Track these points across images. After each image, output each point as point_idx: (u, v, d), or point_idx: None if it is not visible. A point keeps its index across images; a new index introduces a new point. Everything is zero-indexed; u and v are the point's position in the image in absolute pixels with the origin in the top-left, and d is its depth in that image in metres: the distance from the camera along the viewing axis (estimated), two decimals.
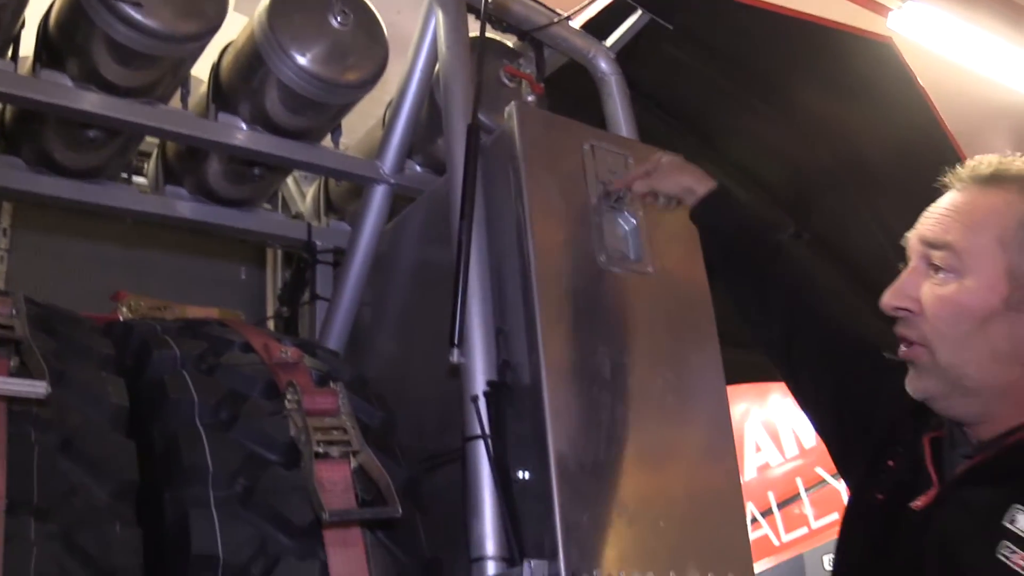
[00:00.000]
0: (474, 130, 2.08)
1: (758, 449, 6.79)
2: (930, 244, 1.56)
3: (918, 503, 1.58)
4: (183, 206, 2.69)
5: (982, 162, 1.58)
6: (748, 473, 6.79)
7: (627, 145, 2.31)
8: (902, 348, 1.60)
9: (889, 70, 2.54)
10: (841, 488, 6.04)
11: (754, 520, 6.60)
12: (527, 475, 1.90)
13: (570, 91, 2.67)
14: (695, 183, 2.11)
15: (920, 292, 1.56)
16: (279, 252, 3.29)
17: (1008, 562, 1.44)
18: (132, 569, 1.43)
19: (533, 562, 1.64)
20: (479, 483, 1.89)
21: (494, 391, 1.94)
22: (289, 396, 1.65)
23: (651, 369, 2.08)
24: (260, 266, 3.41)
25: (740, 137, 3.00)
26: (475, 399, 1.93)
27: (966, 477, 1.55)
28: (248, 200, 2.76)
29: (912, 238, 1.60)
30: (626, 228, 2.21)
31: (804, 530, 6.33)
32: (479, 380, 1.95)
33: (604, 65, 2.65)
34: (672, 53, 2.79)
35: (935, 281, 1.54)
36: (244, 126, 2.42)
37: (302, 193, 3.18)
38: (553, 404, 1.87)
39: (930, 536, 1.54)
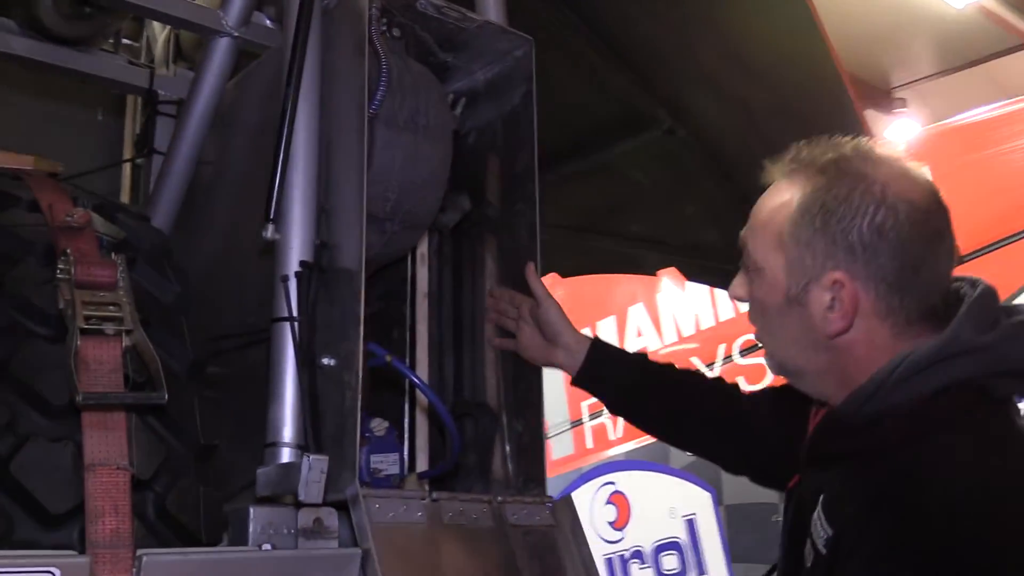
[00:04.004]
0: None
1: (639, 334, 6.89)
2: (740, 244, 1.63)
3: (791, 483, 1.67)
4: (14, 41, 2.46)
5: (794, 151, 1.58)
6: None
7: None
8: None
9: None
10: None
11: None
12: (332, 362, 1.83)
13: None
14: (565, 359, 2.07)
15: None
16: (139, 97, 3.08)
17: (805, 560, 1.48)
18: None
19: (312, 457, 1.58)
20: (282, 367, 1.80)
21: (306, 272, 1.85)
22: (61, 264, 1.53)
23: None
24: (119, 111, 3.21)
25: (626, 25, 2.86)
26: (285, 279, 1.84)
27: (806, 459, 1.61)
28: (85, 39, 2.55)
29: None
30: None
31: None
32: (293, 259, 1.86)
33: None
34: None
35: (746, 278, 1.63)
36: None
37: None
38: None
39: (789, 515, 1.63)
